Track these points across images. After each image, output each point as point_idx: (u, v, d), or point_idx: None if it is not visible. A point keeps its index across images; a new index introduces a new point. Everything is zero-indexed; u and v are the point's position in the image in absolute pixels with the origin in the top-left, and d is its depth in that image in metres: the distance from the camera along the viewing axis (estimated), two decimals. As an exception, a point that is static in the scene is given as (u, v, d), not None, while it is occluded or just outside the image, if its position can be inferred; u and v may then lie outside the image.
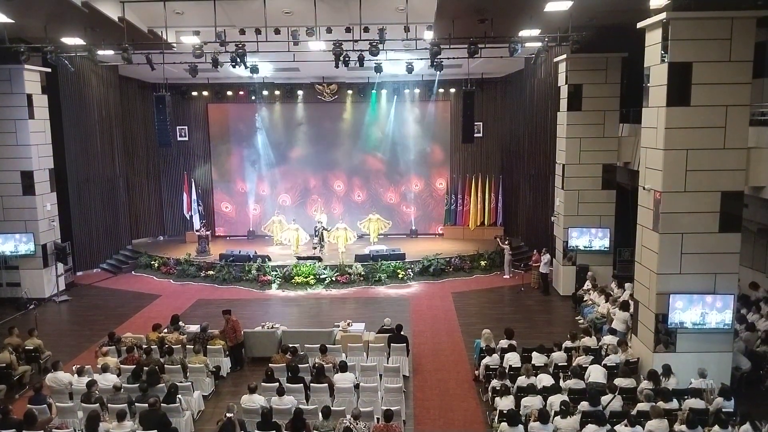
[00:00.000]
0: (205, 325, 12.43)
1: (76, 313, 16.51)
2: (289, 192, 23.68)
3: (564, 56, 15.96)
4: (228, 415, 8.53)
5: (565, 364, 10.84)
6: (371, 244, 21.18)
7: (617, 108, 15.86)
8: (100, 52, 15.07)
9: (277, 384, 9.69)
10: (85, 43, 14.68)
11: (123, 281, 19.51)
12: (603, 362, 10.73)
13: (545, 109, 18.93)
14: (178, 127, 22.86)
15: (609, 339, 11.87)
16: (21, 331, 12.56)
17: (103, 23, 13.67)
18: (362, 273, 18.68)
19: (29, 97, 16.70)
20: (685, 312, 10.31)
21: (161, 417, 8.69)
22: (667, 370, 9.91)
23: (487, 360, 10.98)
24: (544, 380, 9.94)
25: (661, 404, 8.86)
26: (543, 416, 8.48)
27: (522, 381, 9.87)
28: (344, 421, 8.42)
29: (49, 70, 17.22)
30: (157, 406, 8.80)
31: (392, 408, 8.84)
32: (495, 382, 10.06)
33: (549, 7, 11.91)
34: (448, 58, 15.26)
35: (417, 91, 22.62)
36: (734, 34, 9.72)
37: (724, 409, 8.68)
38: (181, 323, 12.96)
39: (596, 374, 10.13)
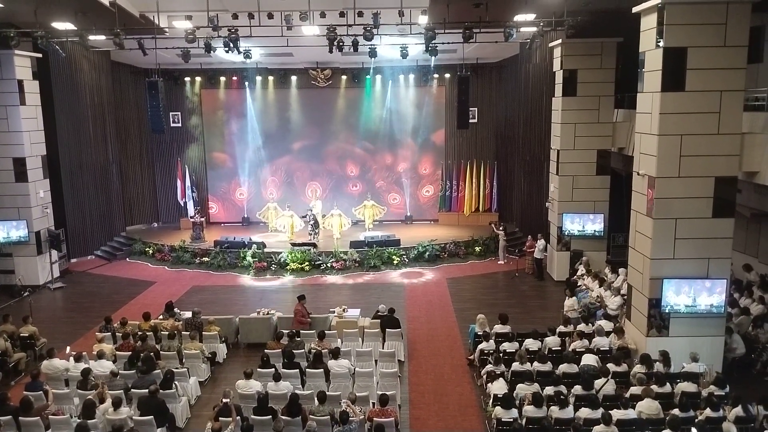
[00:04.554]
0: (197, 310, 12.45)
1: (70, 300, 16.49)
2: (283, 177, 23.56)
3: (559, 41, 15.89)
4: (224, 400, 8.59)
5: (559, 348, 10.92)
6: (366, 230, 21.18)
7: (612, 93, 15.86)
8: (92, 38, 14.91)
9: (273, 369, 9.74)
10: (76, 28, 14.52)
11: (117, 268, 19.48)
12: (594, 345, 10.82)
13: (540, 94, 18.88)
14: (171, 113, 22.68)
15: (603, 324, 11.94)
16: (15, 318, 12.54)
17: (94, 8, 13.51)
18: (357, 259, 18.71)
19: (20, 83, 16.51)
20: (678, 297, 10.37)
21: (159, 403, 8.75)
22: (666, 358, 9.93)
23: (482, 345, 11.06)
24: (539, 365, 10.03)
25: (654, 388, 8.95)
26: (537, 400, 8.56)
27: (516, 366, 9.94)
28: (341, 405, 8.49)
29: (40, 55, 17.03)
30: (155, 392, 8.84)
31: (387, 392, 8.93)
32: (489, 367, 10.14)
33: (544, -9, 11.87)
34: (443, 43, 15.18)
35: (412, 76, 22.52)
36: (729, 19, 9.69)
37: (716, 393, 8.77)
38: (176, 310, 12.98)
39: (588, 358, 10.21)
